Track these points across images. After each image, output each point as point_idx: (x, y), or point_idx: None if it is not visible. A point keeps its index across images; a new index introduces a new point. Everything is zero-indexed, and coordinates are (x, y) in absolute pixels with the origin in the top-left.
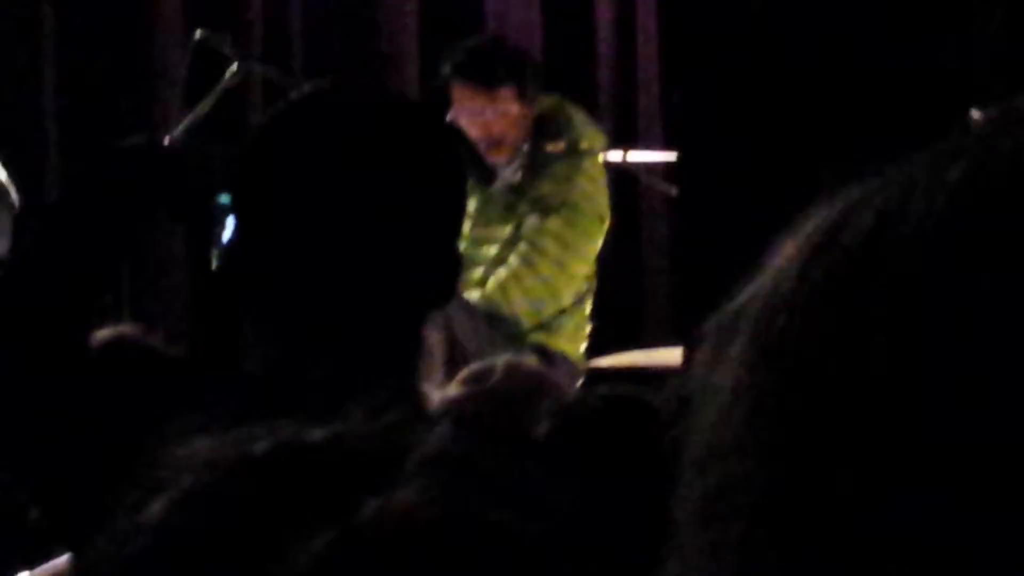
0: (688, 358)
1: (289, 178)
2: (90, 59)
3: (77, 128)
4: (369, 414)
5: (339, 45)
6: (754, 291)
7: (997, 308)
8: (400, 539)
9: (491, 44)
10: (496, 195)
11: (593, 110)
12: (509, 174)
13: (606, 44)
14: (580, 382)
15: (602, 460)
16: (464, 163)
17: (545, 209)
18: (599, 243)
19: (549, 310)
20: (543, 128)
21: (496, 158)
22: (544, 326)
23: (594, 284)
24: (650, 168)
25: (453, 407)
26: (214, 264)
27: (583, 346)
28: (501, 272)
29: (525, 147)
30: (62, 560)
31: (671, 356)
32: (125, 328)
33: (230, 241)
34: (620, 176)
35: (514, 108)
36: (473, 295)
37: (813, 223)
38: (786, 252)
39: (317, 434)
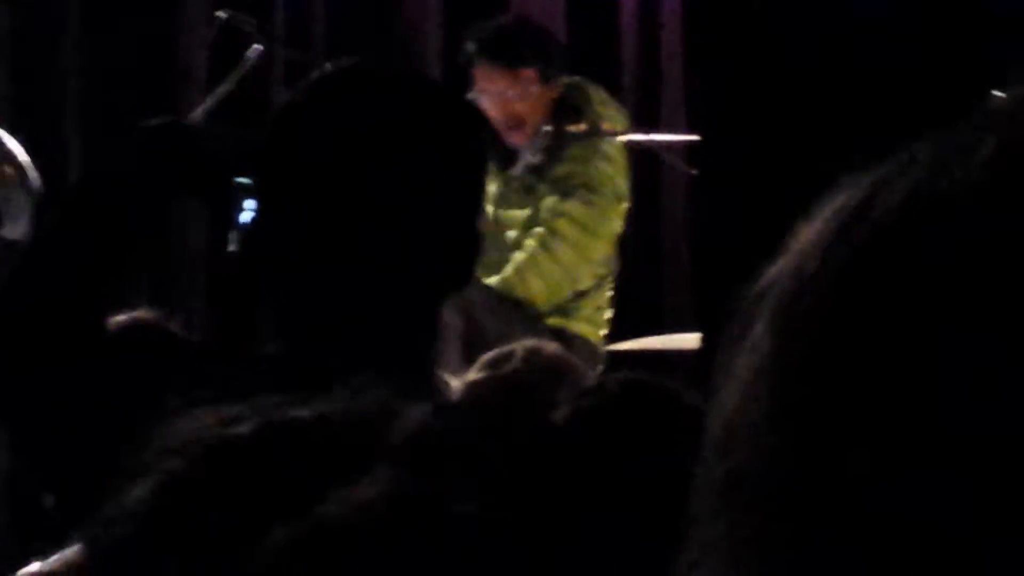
0: (706, 342)
1: (310, 159)
2: (113, 43)
3: (98, 111)
4: (354, 392)
5: (361, 25)
6: (776, 272)
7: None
8: (359, 532)
9: (515, 24)
10: (516, 178)
11: (616, 92)
12: (529, 156)
13: (629, 25)
14: (600, 366)
15: (621, 445)
16: (484, 146)
17: (564, 191)
18: (619, 225)
19: (567, 293)
20: (565, 109)
21: (517, 139)
22: (562, 309)
23: (615, 267)
24: (671, 147)
25: (473, 392)
26: (233, 246)
27: (603, 330)
28: (519, 255)
29: (546, 128)
30: (75, 549)
31: (690, 340)
32: (143, 313)
33: (250, 222)
34: (641, 158)
35: (536, 89)
36: (492, 278)
37: (838, 203)
38: (809, 232)
39: (300, 415)
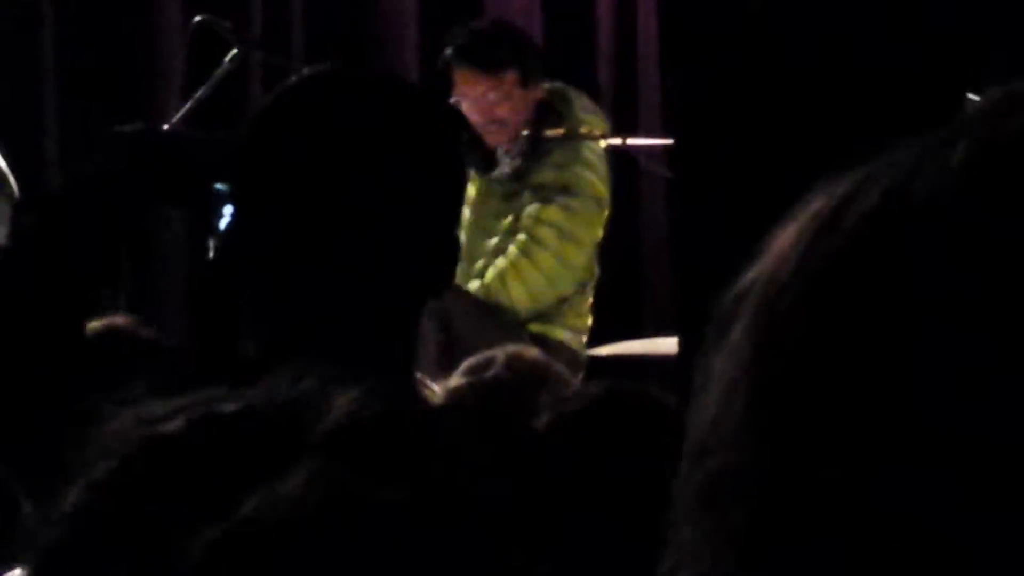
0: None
1: (287, 163)
2: (89, 46)
3: (76, 116)
4: (285, 382)
5: (339, 29)
6: (754, 277)
7: (998, 292)
8: (283, 526)
9: (494, 27)
10: (496, 184)
11: (593, 95)
12: (508, 161)
13: (605, 29)
14: (582, 372)
15: (602, 450)
16: (464, 150)
17: (544, 198)
18: (600, 232)
19: (548, 300)
20: (545, 114)
21: (497, 142)
22: (544, 316)
23: (596, 273)
24: (650, 152)
25: (455, 397)
26: (211, 252)
27: (584, 337)
28: (500, 262)
29: (524, 132)
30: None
31: (670, 345)
32: (117, 319)
33: (227, 229)
34: (619, 163)
35: (517, 92)
36: (473, 285)
37: (814, 206)
38: (785, 237)
39: (228, 407)
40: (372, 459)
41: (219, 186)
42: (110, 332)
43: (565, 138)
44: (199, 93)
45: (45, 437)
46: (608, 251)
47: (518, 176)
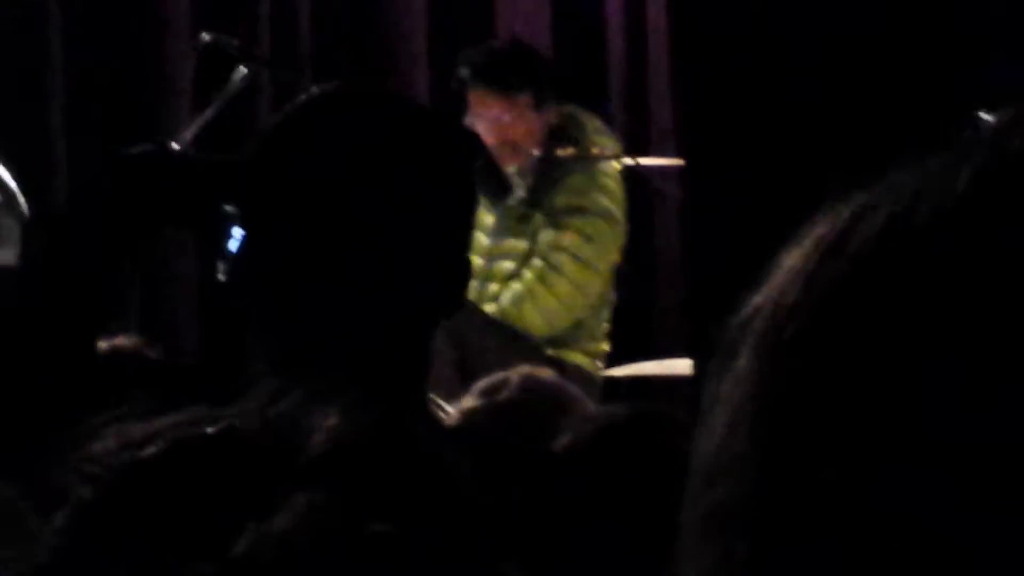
0: (698, 368)
1: (294, 183)
2: (98, 65)
3: (85, 136)
4: (263, 403)
5: (348, 46)
6: (759, 302)
7: (1005, 314)
8: (275, 565)
9: (509, 48)
10: (511, 208)
11: (604, 116)
12: (519, 180)
13: (616, 50)
14: (596, 395)
15: (621, 472)
16: (474, 170)
17: (560, 223)
18: (616, 257)
19: (563, 325)
20: (557, 137)
21: (510, 164)
22: (559, 340)
23: (612, 298)
24: (662, 172)
25: (468, 419)
26: (220, 274)
27: (600, 361)
28: (516, 286)
29: (535, 152)
30: None
31: (684, 366)
32: (122, 340)
33: (236, 250)
34: (632, 183)
35: (530, 115)
36: (488, 309)
37: (818, 230)
38: (790, 262)
39: (209, 431)
40: (359, 489)
41: (228, 207)
42: (115, 353)
43: (576, 158)
44: (208, 111)
45: (49, 457)
46: (621, 271)
47: (533, 200)
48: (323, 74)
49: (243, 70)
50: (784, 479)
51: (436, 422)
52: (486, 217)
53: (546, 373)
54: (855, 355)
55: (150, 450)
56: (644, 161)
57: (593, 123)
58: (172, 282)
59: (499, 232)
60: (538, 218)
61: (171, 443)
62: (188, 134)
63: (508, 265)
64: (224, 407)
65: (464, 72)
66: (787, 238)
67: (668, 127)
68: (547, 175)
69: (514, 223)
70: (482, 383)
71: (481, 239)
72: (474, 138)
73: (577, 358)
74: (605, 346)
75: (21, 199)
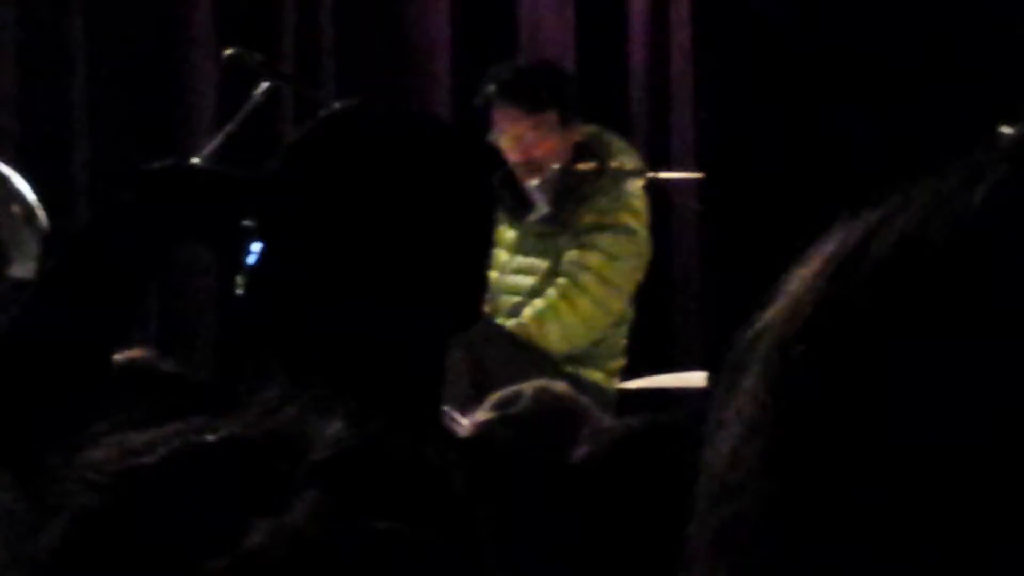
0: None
1: (314, 199)
2: (121, 80)
3: (107, 150)
4: (264, 411)
5: (371, 62)
6: (770, 319)
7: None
8: (291, 559)
9: (536, 66)
10: (534, 225)
11: (625, 130)
12: (541, 196)
13: (638, 64)
14: (612, 408)
15: (638, 484)
16: (494, 186)
17: (586, 242)
18: (640, 276)
19: (583, 344)
20: (582, 155)
21: (532, 180)
22: (577, 357)
23: (630, 315)
24: (682, 185)
25: (482, 432)
26: (239, 289)
27: (616, 379)
28: (539, 303)
29: (555, 166)
30: None
31: (701, 378)
32: (137, 353)
33: (254, 266)
34: (652, 196)
35: (556, 133)
36: (507, 324)
37: (828, 248)
38: (801, 278)
39: (211, 439)
40: (361, 491)
41: (248, 222)
42: (130, 366)
43: (596, 172)
44: (229, 126)
45: (49, 465)
46: (639, 283)
47: (557, 218)
48: (345, 90)
49: (265, 85)
50: (796, 496)
51: (448, 433)
52: (507, 233)
53: (560, 386)
54: (869, 373)
55: (151, 457)
56: (664, 175)
57: (618, 143)
58: (190, 296)
59: (520, 248)
60: (563, 237)
61: (172, 450)
62: (210, 149)
63: (526, 281)
64: (227, 417)
65: (490, 89)
66: (806, 251)
67: (689, 142)
68: (571, 192)
69: (536, 240)
70: (496, 396)
71: (502, 255)
72: (495, 154)
73: (594, 375)
74: (622, 362)
75: (41, 213)
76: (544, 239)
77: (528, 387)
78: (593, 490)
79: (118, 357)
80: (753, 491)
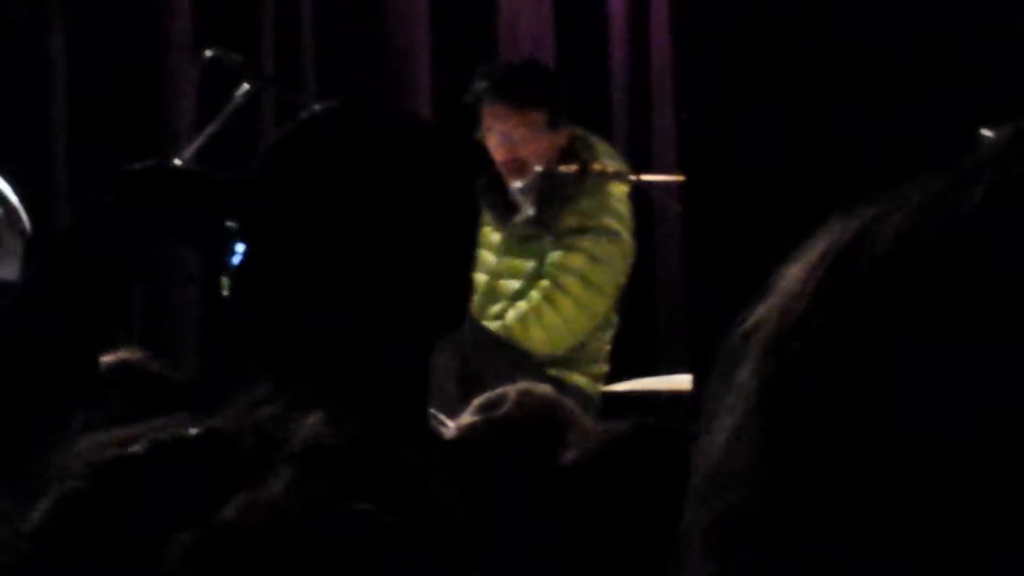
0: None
1: (296, 200)
2: (101, 81)
3: (88, 152)
4: (246, 408)
5: (351, 63)
6: (763, 314)
7: (1018, 330)
8: (264, 532)
9: (528, 65)
10: (518, 228)
11: (606, 134)
12: (523, 197)
13: (619, 66)
14: (595, 411)
15: (627, 487)
16: (478, 187)
17: (569, 244)
18: (623, 279)
19: (566, 345)
20: (569, 159)
21: (516, 180)
22: (561, 360)
23: (615, 321)
24: (664, 187)
25: (466, 434)
26: (224, 291)
27: (600, 383)
28: (522, 305)
29: (537, 168)
30: None
31: (685, 381)
32: (129, 354)
33: (238, 267)
34: (634, 198)
35: (544, 133)
36: (492, 326)
37: (824, 245)
38: (796, 275)
39: (192, 431)
40: (343, 475)
41: (231, 223)
42: (123, 367)
43: (578, 174)
44: (210, 127)
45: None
46: (623, 287)
47: (541, 220)
48: (326, 91)
49: (246, 86)
50: (791, 489)
51: (433, 434)
52: (492, 235)
53: (544, 389)
54: (862, 370)
55: (134, 446)
56: (646, 177)
57: (603, 146)
58: (173, 298)
59: (505, 251)
60: (546, 239)
61: (153, 442)
62: (191, 150)
63: (513, 284)
64: (210, 414)
65: (480, 86)
66: (790, 252)
67: (670, 144)
68: (555, 195)
69: (521, 242)
70: (480, 399)
71: (487, 257)
72: (479, 155)
73: (577, 379)
74: (605, 367)
75: (23, 214)
76: (528, 241)
77: (512, 390)
78: (584, 492)
79: (109, 357)
80: (748, 483)
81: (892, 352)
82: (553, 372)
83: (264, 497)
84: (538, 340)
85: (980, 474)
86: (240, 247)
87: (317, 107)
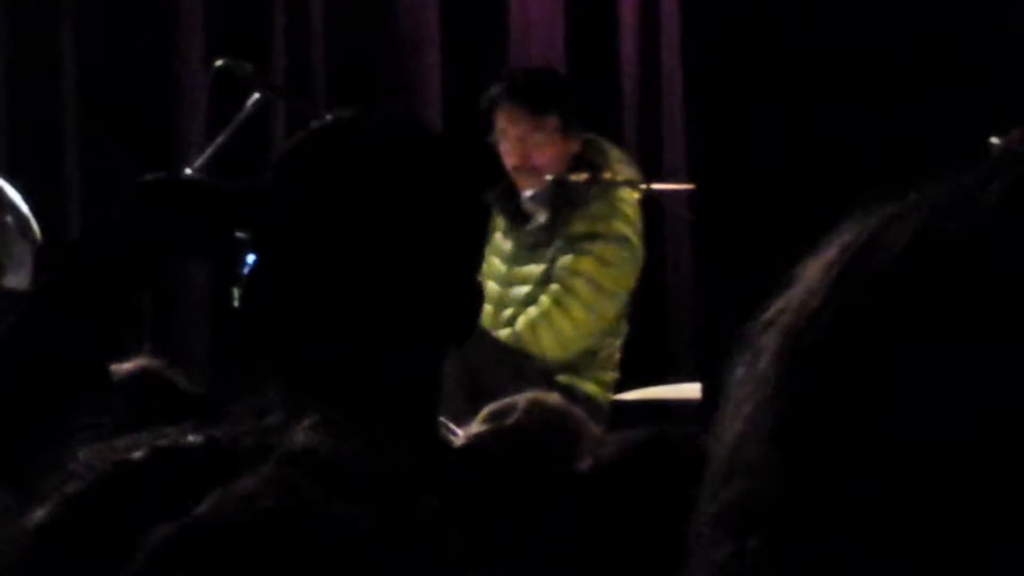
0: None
1: (306, 210)
2: (112, 91)
3: (99, 162)
4: (251, 416)
5: (362, 72)
6: (782, 306)
7: None
8: (236, 525)
9: (544, 72)
10: (529, 234)
11: (617, 141)
12: (533, 205)
13: (630, 75)
14: (605, 420)
15: (643, 494)
16: (489, 197)
17: (579, 249)
18: (632, 283)
19: (578, 350)
20: (582, 166)
21: (527, 187)
22: (571, 367)
23: (624, 328)
24: (675, 196)
25: (476, 443)
26: (235, 302)
27: (610, 390)
28: (532, 311)
29: (548, 177)
30: None
31: (694, 390)
32: (148, 361)
33: (248, 277)
34: (645, 207)
35: (557, 140)
36: (503, 333)
37: (843, 240)
38: (815, 268)
39: (193, 438)
40: (325, 475)
41: (241, 234)
42: (142, 374)
43: (590, 183)
44: (221, 137)
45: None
46: (633, 295)
47: (551, 225)
48: (336, 101)
49: (257, 96)
50: (804, 478)
51: (442, 444)
52: (504, 243)
53: (553, 398)
54: (877, 367)
55: (135, 453)
56: (657, 186)
57: (615, 152)
58: (184, 308)
59: (517, 258)
60: (556, 244)
61: (153, 449)
62: (202, 160)
63: (525, 291)
64: (216, 424)
65: (496, 90)
66: (799, 260)
67: (680, 153)
68: (566, 201)
69: (531, 249)
70: (490, 408)
71: (498, 265)
72: (491, 164)
73: (588, 387)
74: (615, 375)
75: (34, 224)
76: (538, 247)
77: (521, 399)
78: (602, 499)
79: (128, 366)
80: (762, 471)
81: (899, 351)
82: (563, 379)
83: (239, 490)
84: (549, 345)
85: (980, 474)
86: (251, 257)
87: (328, 117)
